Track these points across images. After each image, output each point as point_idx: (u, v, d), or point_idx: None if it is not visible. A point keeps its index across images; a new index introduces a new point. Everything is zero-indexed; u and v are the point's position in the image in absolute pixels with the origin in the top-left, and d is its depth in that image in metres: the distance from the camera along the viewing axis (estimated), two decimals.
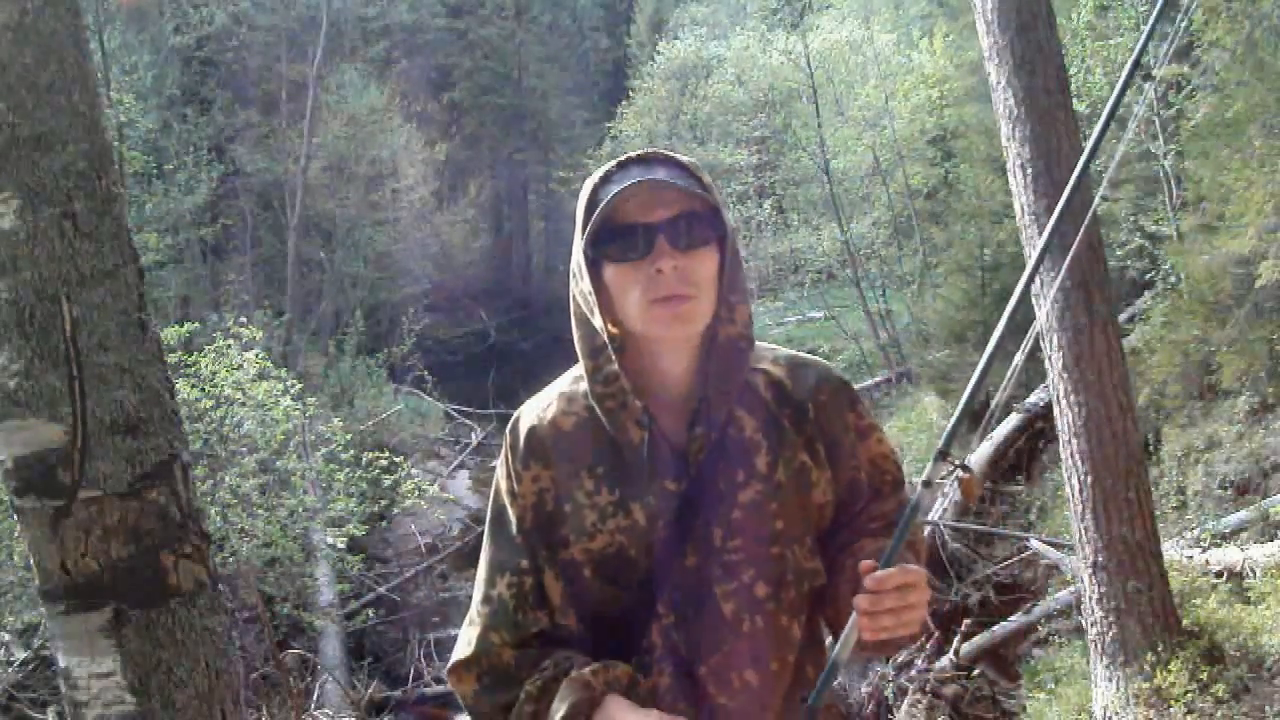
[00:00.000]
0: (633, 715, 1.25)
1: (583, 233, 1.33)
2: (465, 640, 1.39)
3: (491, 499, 1.42)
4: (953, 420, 1.39)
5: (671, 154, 1.39)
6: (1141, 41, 1.65)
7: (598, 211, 1.30)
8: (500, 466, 1.42)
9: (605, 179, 1.35)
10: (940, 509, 8.81)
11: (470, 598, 1.44)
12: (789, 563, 1.38)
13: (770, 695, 1.36)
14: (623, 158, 1.37)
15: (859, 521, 1.46)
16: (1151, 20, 1.68)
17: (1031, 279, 1.57)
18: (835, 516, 1.44)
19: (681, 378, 1.37)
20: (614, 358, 1.33)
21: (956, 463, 1.34)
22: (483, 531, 1.46)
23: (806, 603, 1.41)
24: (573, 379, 1.43)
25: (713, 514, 1.34)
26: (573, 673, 1.29)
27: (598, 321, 1.33)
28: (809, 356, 1.51)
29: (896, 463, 1.52)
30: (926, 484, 1.33)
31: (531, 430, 1.38)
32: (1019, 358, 1.50)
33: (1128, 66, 1.61)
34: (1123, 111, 8.74)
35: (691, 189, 1.32)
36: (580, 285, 1.35)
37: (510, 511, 1.38)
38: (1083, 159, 1.58)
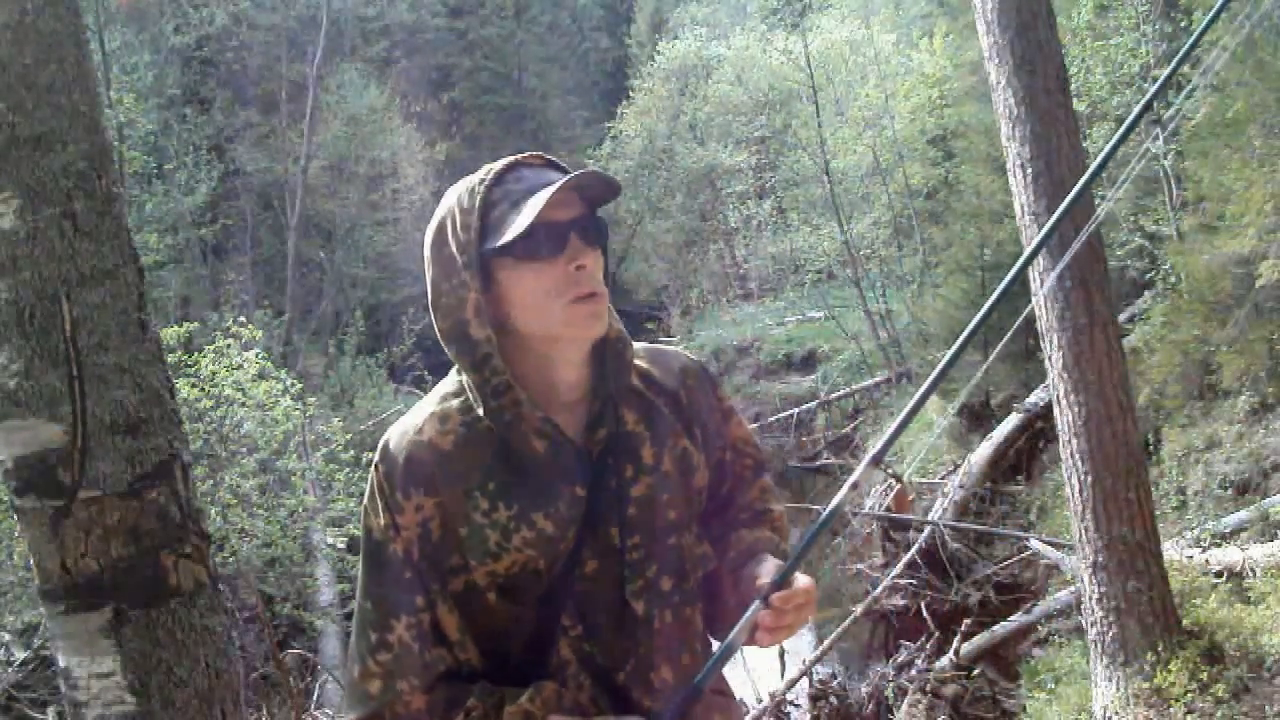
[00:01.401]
0: None
1: (477, 235, 1.25)
2: (360, 696, 1.27)
3: (364, 538, 1.31)
4: (891, 430, 1.39)
5: (543, 155, 1.35)
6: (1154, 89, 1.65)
7: (525, 208, 1.23)
8: (371, 501, 1.30)
9: (497, 181, 1.28)
10: (940, 509, 8.81)
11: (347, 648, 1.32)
12: (686, 552, 1.38)
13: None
14: (502, 164, 1.31)
15: (729, 513, 1.49)
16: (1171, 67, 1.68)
17: (1015, 279, 1.58)
18: (705, 501, 1.45)
19: (575, 380, 1.33)
20: (504, 367, 1.26)
21: (891, 470, 1.32)
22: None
23: (699, 590, 1.41)
24: (440, 398, 1.34)
25: (609, 514, 1.31)
26: (509, 706, 1.24)
27: (481, 331, 1.25)
28: (661, 345, 1.51)
29: (756, 445, 1.53)
30: (854, 486, 1.34)
31: (408, 458, 1.27)
32: (989, 360, 1.50)
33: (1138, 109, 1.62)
34: (1122, 112, 8.73)
35: (604, 187, 1.29)
36: (458, 293, 1.26)
37: (392, 548, 1.27)
38: (1089, 173, 1.58)
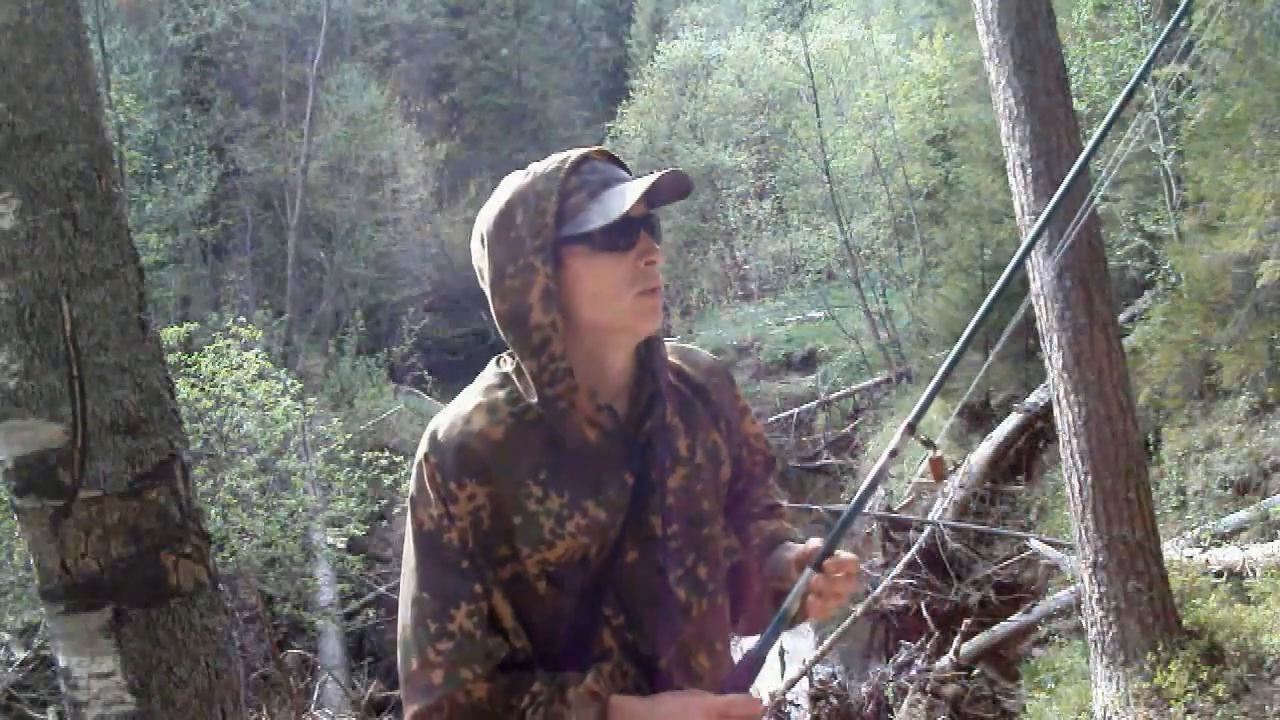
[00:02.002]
0: (646, 703, 1.27)
1: (554, 220, 1.26)
2: (423, 686, 1.26)
3: (415, 530, 1.30)
4: (925, 394, 1.47)
5: (608, 151, 1.37)
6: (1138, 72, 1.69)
7: (605, 199, 1.26)
8: (422, 491, 1.29)
9: (574, 170, 1.29)
10: (940, 509, 8.81)
11: (398, 637, 1.31)
12: (717, 542, 1.42)
13: (720, 676, 1.38)
14: (577, 154, 1.32)
15: (743, 506, 1.54)
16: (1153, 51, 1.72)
17: (1012, 272, 1.60)
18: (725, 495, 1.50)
19: (621, 371, 1.36)
20: (564, 354, 1.28)
21: (925, 437, 1.41)
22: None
23: (728, 580, 1.45)
24: (484, 390, 1.35)
25: (651, 503, 1.34)
26: (573, 688, 1.26)
27: (545, 316, 1.27)
28: (685, 345, 1.56)
29: (767, 442, 1.59)
30: (893, 453, 1.41)
31: (460, 447, 1.28)
32: (992, 355, 1.54)
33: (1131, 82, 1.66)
34: (1124, 114, 8.72)
35: (680, 189, 1.32)
36: (524, 276, 1.28)
37: (447, 537, 1.27)
38: (1077, 163, 1.59)
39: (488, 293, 1.33)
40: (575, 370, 1.29)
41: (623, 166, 1.35)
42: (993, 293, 1.56)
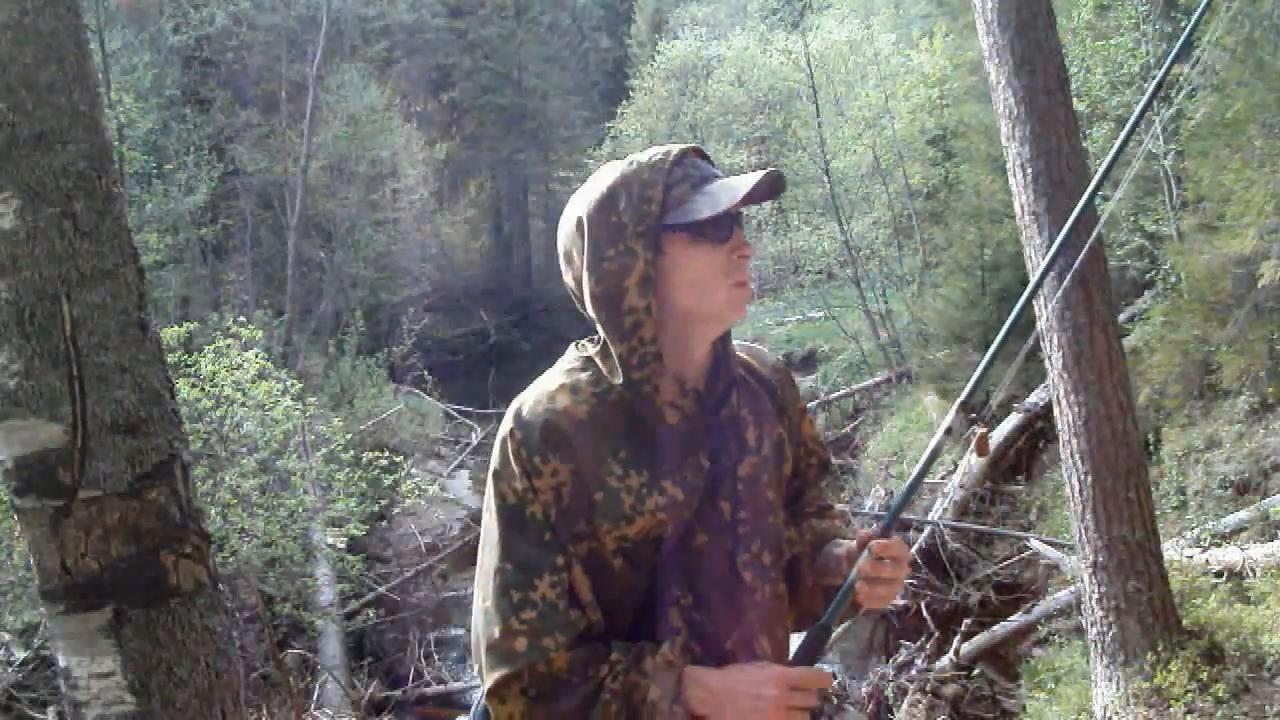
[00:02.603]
0: (719, 673, 1.31)
1: (658, 208, 1.33)
2: (505, 654, 1.28)
3: (498, 500, 1.34)
4: (977, 371, 1.53)
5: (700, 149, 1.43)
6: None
7: (710, 191, 1.33)
8: (506, 465, 1.33)
9: (678, 162, 1.36)
10: (940, 509, 8.81)
11: (476, 608, 1.34)
12: (780, 531, 1.47)
13: (781, 661, 1.43)
14: (678, 149, 1.38)
15: (798, 505, 1.59)
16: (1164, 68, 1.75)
17: (1036, 289, 1.61)
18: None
19: (700, 359, 1.42)
20: (655, 338, 1.33)
21: (976, 415, 1.48)
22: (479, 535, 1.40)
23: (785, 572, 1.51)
24: (566, 371, 1.40)
25: (722, 488, 1.39)
26: (650, 657, 1.29)
27: (641, 300, 1.32)
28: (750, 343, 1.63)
29: (823, 445, 1.65)
30: (948, 431, 1.47)
31: (546, 423, 1.33)
32: (1019, 358, 1.58)
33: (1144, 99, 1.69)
34: (1122, 112, 8.73)
35: (775, 189, 1.40)
36: (623, 260, 1.33)
37: (531, 509, 1.31)
38: (1093, 182, 1.60)
39: (582, 275, 1.37)
40: (662, 355, 1.35)
41: (713, 164, 1.41)
42: (1011, 317, 1.62)
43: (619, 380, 1.35)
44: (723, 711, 1.29)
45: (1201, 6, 1.97)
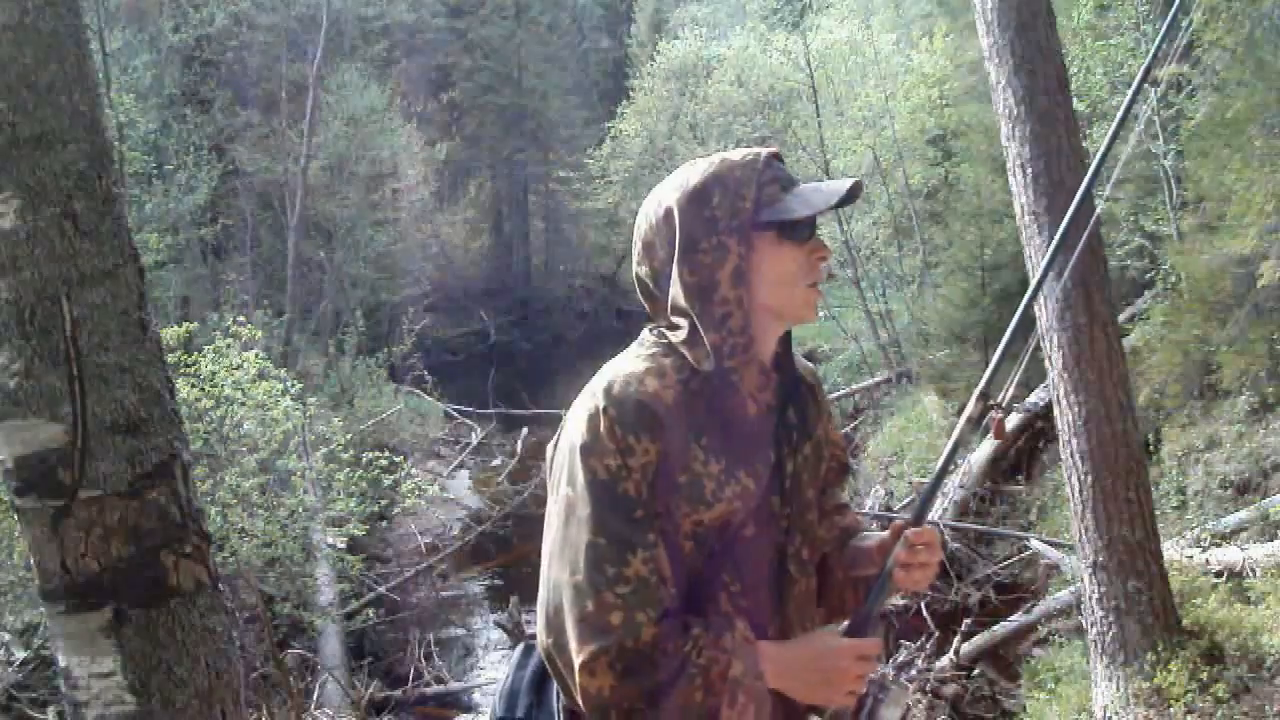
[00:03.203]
0: (789, 648, 1.38)
1: (753, 204, 1.38)
2: (600, 627, 1.28)
3: (587, 474, 1.33)
4: (994, 362, 1.59)
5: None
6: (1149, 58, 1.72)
7: (801, 193, 1.39)
8: (597, 443, 1.33)
9: (769, 162, 1.41)
10: (940, 509, 8.81)
11: (560, 581, 1.33)
12: (815, 528, 1.53)
13: None
14: (767, 151, 1.43)
15: (821, 504, 1.62)
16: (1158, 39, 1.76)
17: (1038, 290, 1.62)
18: None
19: (769, 356, 1.48)
20: (745, 330, 1.38)
21: (994, 402, 1.55)
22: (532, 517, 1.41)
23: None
24: (649, 356, 1.41)
25: (774, 483, 1.44)
26: (729, 633, 1.33)
27: (733, 291, 1.37)
28: None
29: (844, 448, 1.70)
30: (969, 420, 1.55)
31: (639, 403, 1.33)
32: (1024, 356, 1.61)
33: (1136, 80, 1.71)
34: (1122, 112, 8.72)
35: (851, 200, 1.45)
36: (718, 253, 1.37)
37: (624, 485, 1.32)
38: (1090, 170, 1.61)
39: (669, 265, 1.40)
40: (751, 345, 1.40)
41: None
42: (1015, 318, 1.67)
43: (708, 366, 1.37)
44: (798, 682, 1.36)
45: (1172, 13, 2.00)
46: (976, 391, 1.56)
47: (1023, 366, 1.63)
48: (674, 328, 1.42)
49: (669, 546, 1.35)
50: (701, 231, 1.38)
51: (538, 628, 1.36)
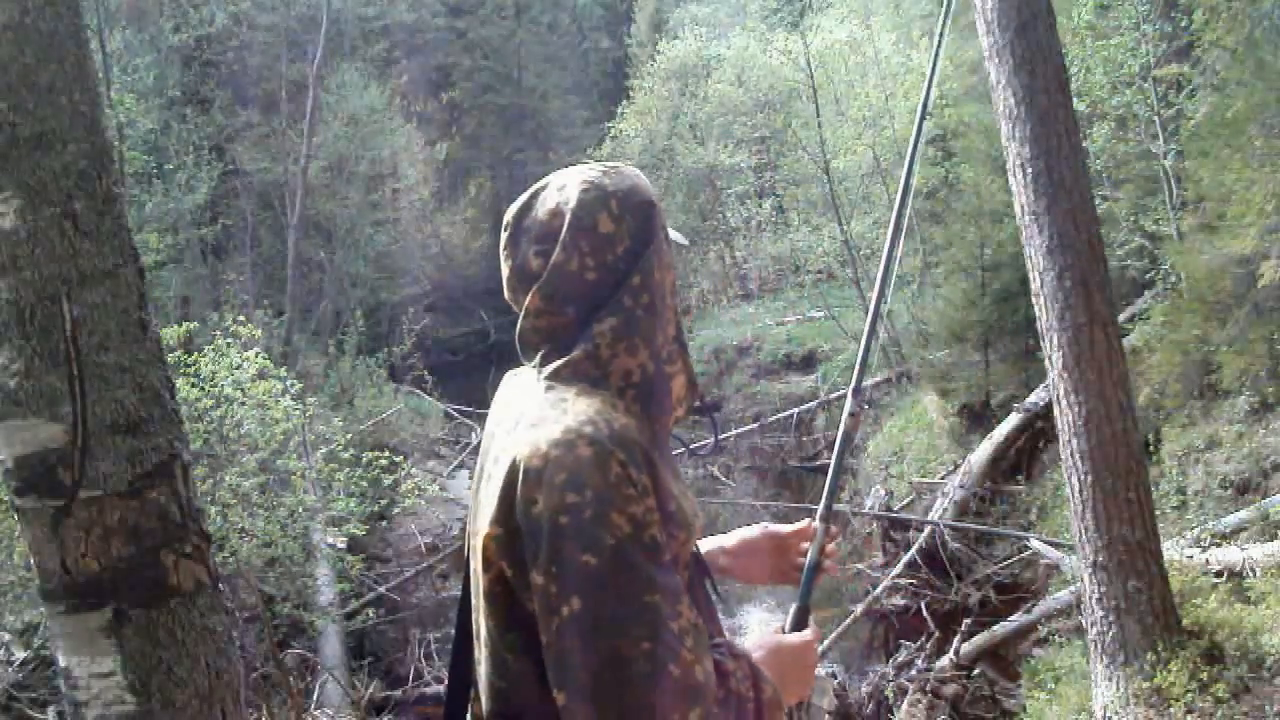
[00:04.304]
0: (770, 654, 1.40)
1: (665, 237, 1.39)
2: (693, 691, 1.18)
3: (614, 533, 1.18)
4: (860, 357, 1.75)
5: None
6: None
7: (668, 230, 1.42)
8: (617, 493, 1.19)
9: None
10: (940, 509, 8.81)
11: (621, 654, 1.17)
12: None
13: None
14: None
15: None
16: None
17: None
18: None
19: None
20: (679, 337, 1.39)
21: (865, 402, 1.71)
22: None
23: None
24: (583, 394, 1.29)
25: None
26: (747, 659, 1.34)
27: (673, 302, 1.39)
28: None
29: None
30: (851, 415, 1.69)
31: (633, 442, 1.24)
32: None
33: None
34: (1123, 112, 8.73)
35: None
36: (667, 262, 1.37)
37: (651, 532, 1.21)
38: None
39: (635, 267, 1.33)
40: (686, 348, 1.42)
41: None
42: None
43: (641, 379, 1.31)
44: (787, 685, 1.38)
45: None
46: (851, 387, 1.78)
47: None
48: (560, 353, 1.32)
49: None
50: (659, 239, 1.36)
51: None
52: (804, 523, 1.61)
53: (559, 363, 1.32)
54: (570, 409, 1.26)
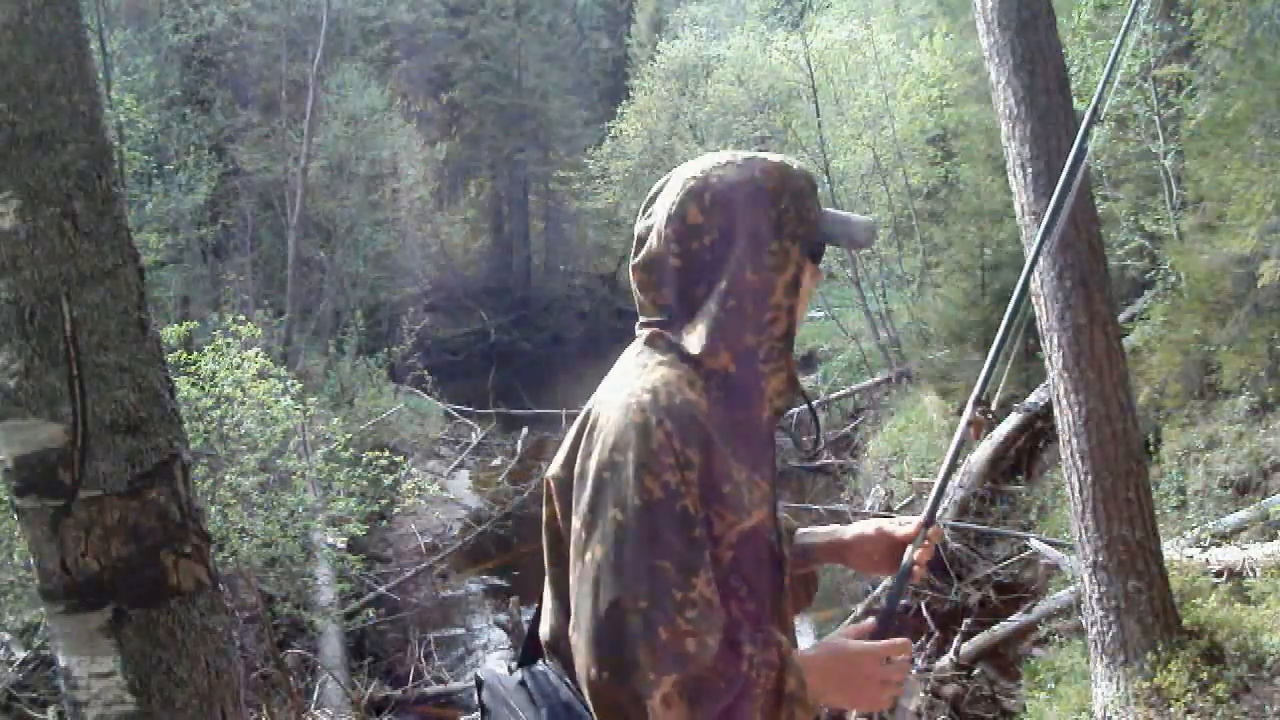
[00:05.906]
0: (821, 656, 1.38)
1: (812, 228, 1.41)
2: (677, 657, 1.21)
3: (642, 494, 1.24)
4: (985, 367, 1.70)
5: None
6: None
7: (843, 220, 1.46)
8: (653, 459, 1.25)
9: (814, 189, 1.45)
10: (940, 509, 8.81)
11: (621, 606, 1.23)
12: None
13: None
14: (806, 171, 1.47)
15: None
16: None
17: (1027, 284, 1.64)
18: None
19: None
20: (785, 337, 1.39)
21: (984, 407, 1.67)
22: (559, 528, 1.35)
23: None
24: (670, 362, 1.36)
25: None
26: (775, 647, 1.31)
27: (786, 300, 1.38)
28: None
29: None
30: (970, 423, 1.68)
31: (688, 415, 1.28)
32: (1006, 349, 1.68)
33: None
34: (1123, 112, 8.73)
35: None
36: (779, 258, 1.37)
37: (682, 504, 1.26)
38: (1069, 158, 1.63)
39: (729, 258, 1.36)
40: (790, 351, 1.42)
41: None
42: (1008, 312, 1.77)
43: (734, 370, 1.36)
44: (838, 690, 1.36)
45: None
46: (971, 397, 1.66)
47: (1006, 372, 1.69)
48: (667, 324, 1.39)
49: (713, 556, 1.32)
50: (770, 233, 1.37)
51: (581, 663, 1.25)
52: (914, 524, 1.61)
53: (650, 332, 1.41)
54: (647, 376, 1.33)
